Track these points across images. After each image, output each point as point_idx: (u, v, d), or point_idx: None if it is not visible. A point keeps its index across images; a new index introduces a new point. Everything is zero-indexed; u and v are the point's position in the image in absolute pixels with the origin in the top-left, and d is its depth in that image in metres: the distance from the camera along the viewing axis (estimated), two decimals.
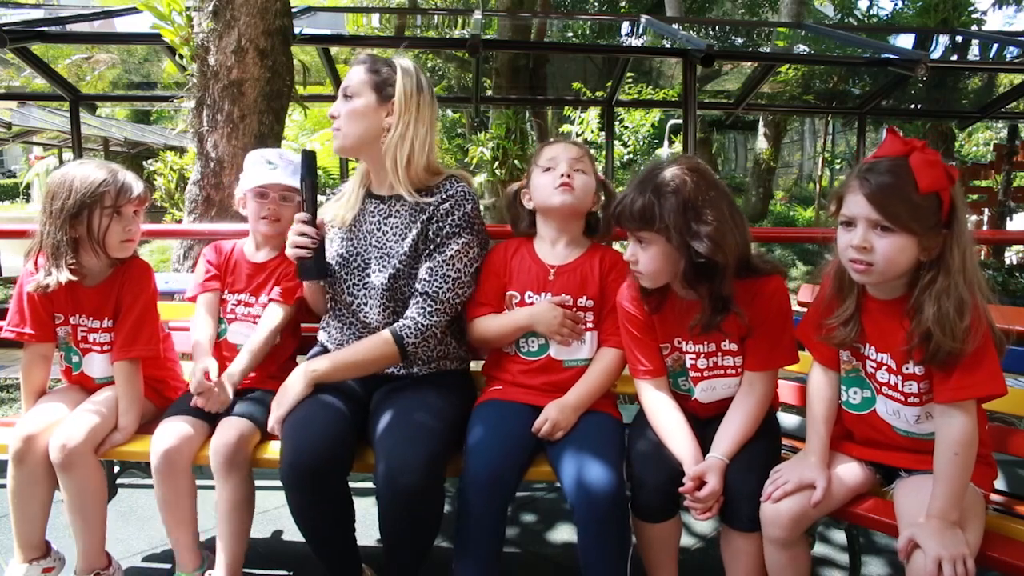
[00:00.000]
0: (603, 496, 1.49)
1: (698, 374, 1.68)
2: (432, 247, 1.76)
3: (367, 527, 2.18)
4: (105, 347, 1.90)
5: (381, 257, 1.80)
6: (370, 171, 1.87)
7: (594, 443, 1.61)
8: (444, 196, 1.77)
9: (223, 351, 1.99)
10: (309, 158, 1.80)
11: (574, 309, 1.78)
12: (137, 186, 1.82)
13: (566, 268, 1.81)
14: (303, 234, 1.75)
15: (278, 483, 1.59)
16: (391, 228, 1.81)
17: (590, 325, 1.79)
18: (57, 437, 1.72)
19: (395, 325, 1.75)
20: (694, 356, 1.67)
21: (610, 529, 1.51)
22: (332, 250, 1.87)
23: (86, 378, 1.94)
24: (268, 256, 2.02)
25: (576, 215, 1.83)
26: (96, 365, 1.92)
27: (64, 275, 1.75)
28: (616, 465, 1.56)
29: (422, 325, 1.73)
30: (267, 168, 1.96)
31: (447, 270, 1.75)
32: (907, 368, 1.43)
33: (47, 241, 1.77)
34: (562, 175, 1.78)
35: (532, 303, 1.79)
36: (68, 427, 1.74)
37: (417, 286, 1.76)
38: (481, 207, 1.87)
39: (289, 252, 1.78)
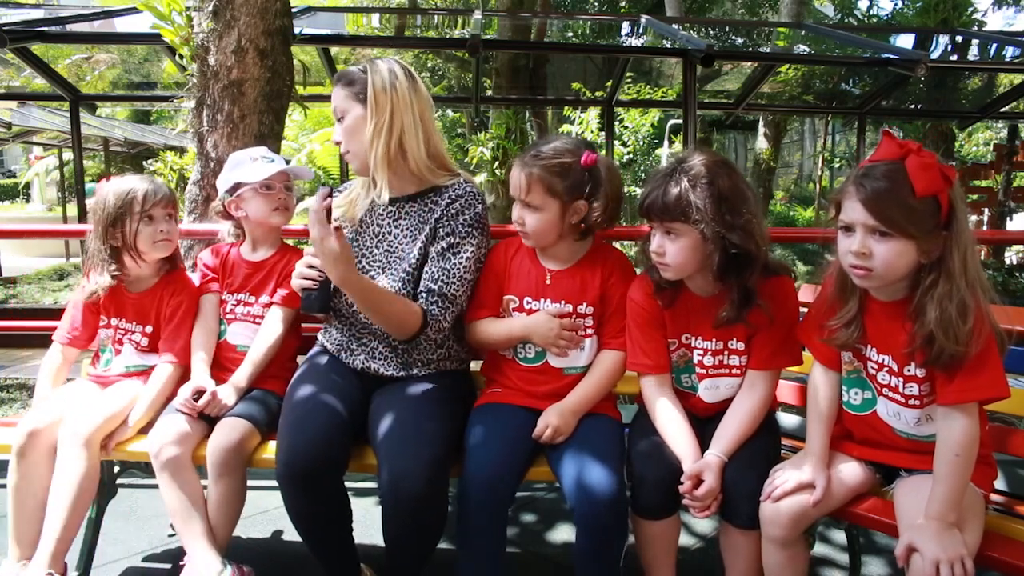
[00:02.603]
0: (605, 501, 1.49)
1: (704, 371, 1.68)
2: (444, 246, 1.75)
3: (366, 527, 2.18)
4: (141, 345, 1.99)
5: (392, 261, 1.79)
6: None
7: (595, 447, 1.60)
8: (454, 196, 1.77)
9: (223, 351, 1.99)
10: (326, 194, 1.79)
11: (573, 316, 1.74)
12: (162, 189, 1.95)
13: (564, 273, 1.77)
14: (311, 267, 1.72)
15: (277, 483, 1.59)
16: (401, 231, 1.80)
17: (590, 331, 1.76)
18: (67, 427, 1.74)
19: (427, 308, 1.72)
20: (702, 353, 1.67)
21: (610, 534, 1.52)
22: None
23: (105, 377, 2.00)
24: (266, 255, 2.03)
25: (547, 244, 1.74)
26: (120, 361, 2.00)
27: (105, 279, 1.91)
28: (617, 469, 1.55)
29: (443, 326, 1.74)
30: (264, 163, 1.97)
31: (464, 272, 1.74)
32: (908, 370, 1.43)
33: (93, 252, 1.95)
34: (515, 220, 1.72)
35: (530, 309, 1.76)
36: (80, 418, 1.76)
37: (432, 286, 1.73)
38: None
39: (295, 283, 1.76)
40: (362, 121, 1.75)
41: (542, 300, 1.76)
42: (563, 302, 1.74)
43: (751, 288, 1.54)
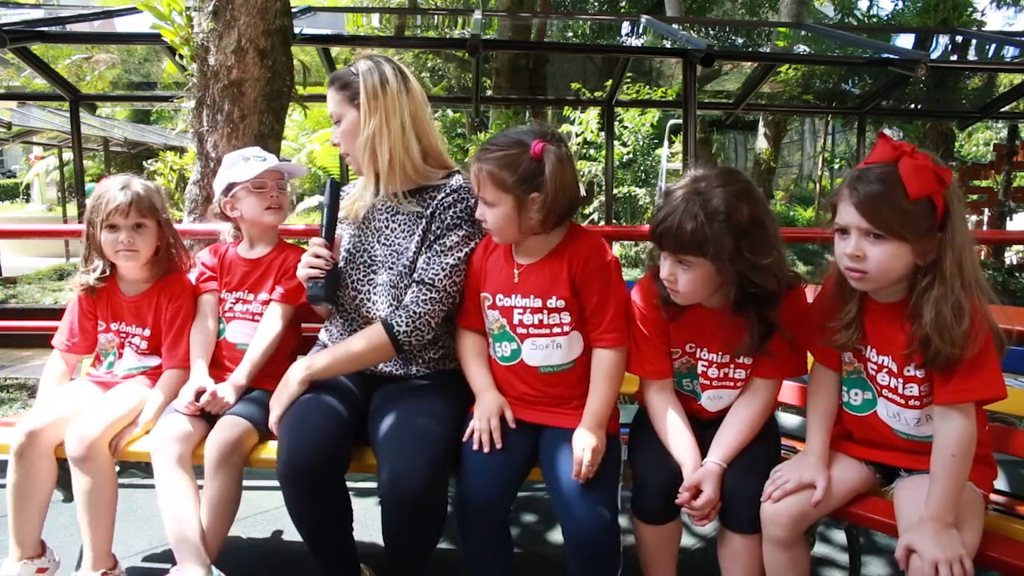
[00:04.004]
0: (595, 532, 1.47)
1: (707, 382, 1.65)
2: (432, 238, 1.75)
3: (366, 527, 2.18)
4: (140, 348, 1.99)
5: (389, 254, 1.80)
6: None
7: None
8: (448, 190, 1.77)
9: (223, 350, 1.99)
10: (334, 187, 1.81)
11: (545, 311, 1.66)
12: (118, 197, 1.88)
13: (533, 268, 1.67)
14: (317, 256, 1.74)
15: (278, 483, 1.59)
16: (398, 224, 1.81)
17: (566, 328, 1.66)
18: (74, 430, 1.74)
19: (386, 314, 1.74)
20: (707, 364, 1.64)
21: (600, 563, 1.48)
22: (340, 245, 1.88)
23: (106, 378, 2.00)
24: (263, 252, 2.03)
25: (511, 239, 1.67)
26: (122, 364, 2.00)
27: (86, 277, 1.94)
28: (610, 494, 1.52)
29: (414, 313, 1.70)
30: (256, 162, 1.98)
31: (445, 258, 1.73)
32: (908, 371, 1.43)
33: (84, 248, 1.98)
34: (478, 215, 1.66)
35: (503, 306, 1.69)
36: (85, 421, 1.76)
37: (414, 275, 1.74)
38: None
39: (300, 273, 1.77)
40: (358, 125, 1.76)
41: (513, 296, 1.69)
42: (532, 296, 1.66)
43: (772, 320, 1.50)
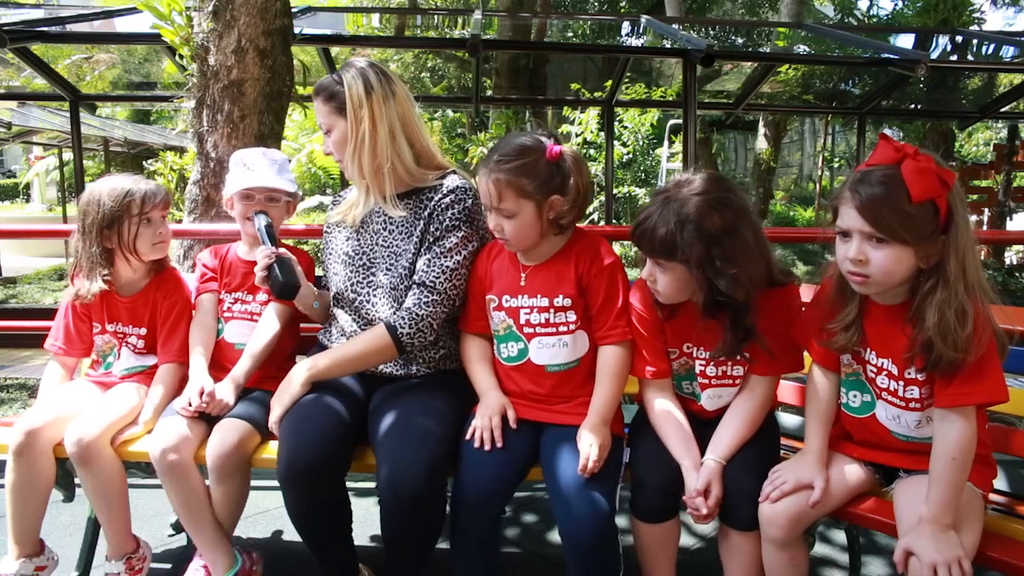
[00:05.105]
0: (593, 530, 1.46)
1: (706, 381, 1.66)
2: (431, 240, 1.76)
3: (366, 527, 2.19)
4: (137, 347, 2.00)
5: (388, 255, 1.80)
6: None
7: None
8: (445, 191, 1.77)
9: (221, 350, 1.99)
10: (259, 212, 1.93)
11: (551, 310, 1.68)
12: (160, 192, 1.95)
13: (540, 268, 1.71)
14: (265, 256, 1.81)
15: (278, 483, 1.59)
16: (396, 227, 1.81)
17: (572, 326, 1.68)
18: (73, 431, 1.74)
19: (389, 316, 1.75)
20: (704, 363, 1.65)
21: (598, 562, 1.48)
22: (339, 248, 1.88)
23: (107, 379, 2.00)
24: None
25: (531, 246, 1.68)
26: (119, 364, 2.00)
27: (97, 285, 1.88)
28: (610, 493, 1.52)
29: (416, 315, 1.71)
30: (251, 170, 1.96)
31: (445, 261, 1.73)
32: (909, 373, 1.42)
33: (83, 256, 1.89)
34: (494, 228, 1.66)
35: (509, 307, 1.71)
36: (84, 421, 1.76)
37: (414, 277, 1.75)
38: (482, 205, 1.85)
39: (258, 279, 1.84)
40: (347, 135, 1.76)
41: (520, 297, 1.71)
42: (539, 296, 1.68)
43: (748, 327, 1.51)
